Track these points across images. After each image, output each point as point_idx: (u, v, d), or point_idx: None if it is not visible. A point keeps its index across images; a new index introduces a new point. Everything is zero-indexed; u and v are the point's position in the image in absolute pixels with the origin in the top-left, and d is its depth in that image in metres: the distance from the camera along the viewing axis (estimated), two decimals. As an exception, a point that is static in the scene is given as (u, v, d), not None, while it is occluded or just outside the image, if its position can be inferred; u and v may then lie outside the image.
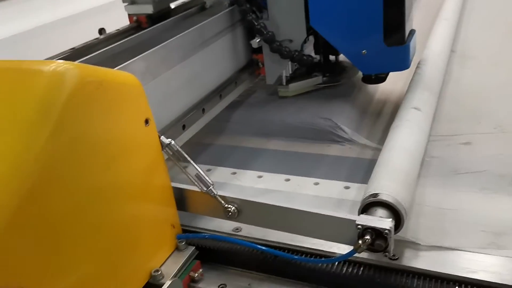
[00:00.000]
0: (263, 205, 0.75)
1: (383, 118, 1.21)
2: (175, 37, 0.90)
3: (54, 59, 0.95)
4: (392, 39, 1.06)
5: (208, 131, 1.17)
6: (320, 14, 1.07)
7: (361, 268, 0.73)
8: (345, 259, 0.72)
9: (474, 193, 0.88)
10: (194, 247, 0.81)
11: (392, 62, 1.09)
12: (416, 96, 1.07)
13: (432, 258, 0.74)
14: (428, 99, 1.06)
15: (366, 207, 0.71)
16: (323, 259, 0.72)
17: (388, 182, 0.75)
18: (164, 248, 0.79)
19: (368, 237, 0.65)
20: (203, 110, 1.03)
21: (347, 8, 1.04)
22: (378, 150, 0.93)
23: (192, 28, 0.94)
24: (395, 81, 1.26)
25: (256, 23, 1.10)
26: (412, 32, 1.13)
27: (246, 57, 1.18)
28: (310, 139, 1.13)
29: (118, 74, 0.70)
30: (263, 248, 0.76)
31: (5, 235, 0.53)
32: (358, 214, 0.71)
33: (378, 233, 0.66)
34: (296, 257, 0.74)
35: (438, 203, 0.86)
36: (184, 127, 0.96)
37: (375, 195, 0.71)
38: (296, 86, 1.22)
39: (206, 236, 0.83)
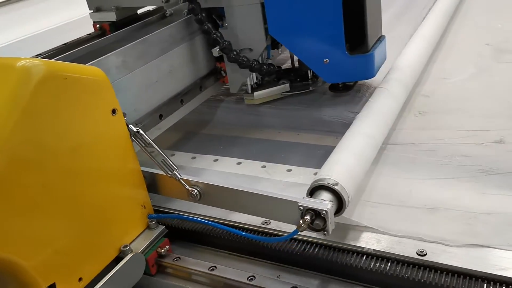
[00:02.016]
0: (222, 188, 0.82)
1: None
2: (142, 38, 0.99)
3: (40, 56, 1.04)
4: (354, 48, 1.05)
5: (243, 124, 1.21)
6: (278, 23, 1.06)
7: (389, 263, 0.74)
8: (291, 238, 0.78)
9: (507, 196, 0.84)
10: (163, 226, 0.88)
11: (355, 71, 1.08)
12: (387, 86, 1.10)
13: (461, 255, 0.73)
14: (396, 91, 1.09)
15: (313, 190, 0.77)
16: (272, 237, 0.79)
17: (335, 167, 0.80)
18: (135, 226, 0.86)
19: (308, 217, 0.71)
20: (182, 101, 1.09)
21: (306, 16, 1.03)
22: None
23: (153, 34, 1.02)
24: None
25: (212, 32, 1.09)
26: (381, 38, 1.13)
27: (210, 65, 1.21)
28: (340, 133, 1.10)
29: (84, 69, 0.77)
30: (220, 225, 0.83)
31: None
32: (305, 197, 0.77)
33: (317, 213, 0.72)
34: (243, 233, 0.81)
35: (469, 208, 0.83)
36: (161, 116, 1.03)
37: (321, 179, 0.77)
38: (261, 94, 1.23)
39: (175, 216, 0.90)
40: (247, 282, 0.78)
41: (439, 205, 0.84)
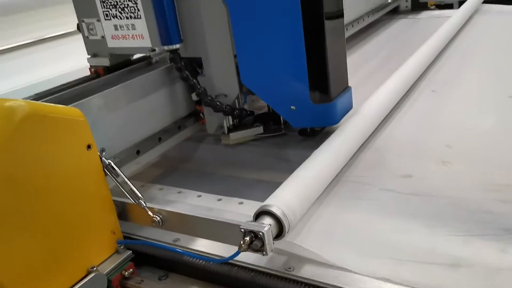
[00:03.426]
0: (180, 215, 0.92)
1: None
2: (124, 82, 1.14)
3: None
4: (318, 98, 1.17)
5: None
6: (249, 73, 1.19)
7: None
8: (233, 259, 0.85)
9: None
10: (130, 251, 0.97)
11: (319, 118, 1.19)
12: (343, 127, 1.20)
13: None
14: (350, 130, 1.19)
15: (258, 216, 0.86)
16: (217, 258, 0.87)
17: (278, 196, 0.90)
18: (104, 250, 0.96)
19: (247, 238, 0.80)
20: (160, 139, 1.22)
21: (274, 68, 1.16)
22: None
23: (134, 79, 1.17)
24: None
25: (190, 79, 1.23)
26: (346, 89, 1.25)
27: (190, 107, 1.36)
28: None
29: (63, 109, 0.90)
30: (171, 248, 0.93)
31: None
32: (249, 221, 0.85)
33: (256, 235, 0.80)
34: (189, 253, 0.90)
35: (490, 265, 0.83)
36: (138, 152, 1.15)
37: (263, 206, 0.86)
38: (236, 135, 1.35)
39: (141, 243, 1.00)
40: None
41: (460, 261, 0.85)
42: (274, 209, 0.85)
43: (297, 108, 1.20)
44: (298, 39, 1.12)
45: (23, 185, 0.81)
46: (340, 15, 1.23)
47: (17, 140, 0.80)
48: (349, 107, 1.28)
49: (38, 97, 1.16)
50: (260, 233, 0.79)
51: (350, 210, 1.02)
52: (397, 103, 1.53)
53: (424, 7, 3.19)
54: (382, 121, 1.40)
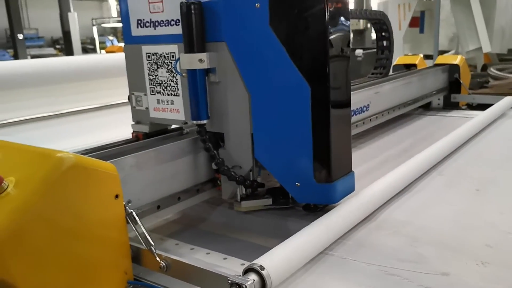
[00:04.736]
0: (181, 263, 1.07)
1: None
2: (156, 147, 1.36)
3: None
4: (320, 177, 1.32)
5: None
6: (262, 150, 1.38)
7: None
8: None
9: None
10: (138, 292, 1.13)
11: (321, 195, 1.34)
12: (341, 206, 1.34)
13: None
14: (347, 209, 1.33)
15: (246, 272, 1.00)
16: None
17: (267, 256, 1.03)
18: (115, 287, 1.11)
19: (232, 289, 0.94)
20: (179, 198, 1.40)
21: (284, 148, 1.34)
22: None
23: (164, 145, 1.40)
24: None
25: (211, 150, 1.43)
26: (350, 173, 1.40)
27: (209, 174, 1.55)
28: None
29: (102, 163, 1.10)
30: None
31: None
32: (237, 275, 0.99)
33: (240, 287, 0.94)
34: None
35: None
36: (159, 207, 1.33)
37: (251, 264, 1.00)
38: (246, 204, 1.50)
39: (147, 285, 1.14)
40: None
41: None
42: (260, 268, 0.98)
43: (301, 185, 1.36)
44: (306, 124, 1.31)
45: (58, 224, 0.99)
46: (347, 104, 1.40)
47: (61, 185, 1.00)
48: (350, 190, 1.42)
49: (85, 152, 1.38)
50: (244, 286, 0.93)
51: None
52: (437, 197, 1.60)
53: (456, 106, 3.34)
54: (419, 212, 1.48)
